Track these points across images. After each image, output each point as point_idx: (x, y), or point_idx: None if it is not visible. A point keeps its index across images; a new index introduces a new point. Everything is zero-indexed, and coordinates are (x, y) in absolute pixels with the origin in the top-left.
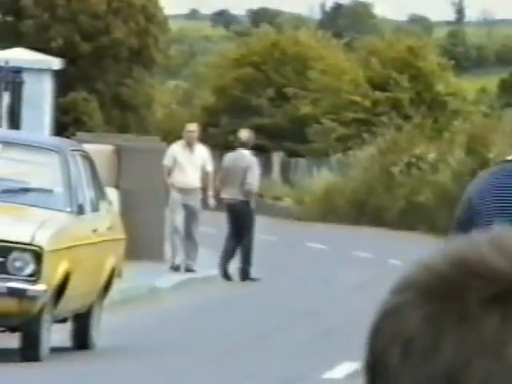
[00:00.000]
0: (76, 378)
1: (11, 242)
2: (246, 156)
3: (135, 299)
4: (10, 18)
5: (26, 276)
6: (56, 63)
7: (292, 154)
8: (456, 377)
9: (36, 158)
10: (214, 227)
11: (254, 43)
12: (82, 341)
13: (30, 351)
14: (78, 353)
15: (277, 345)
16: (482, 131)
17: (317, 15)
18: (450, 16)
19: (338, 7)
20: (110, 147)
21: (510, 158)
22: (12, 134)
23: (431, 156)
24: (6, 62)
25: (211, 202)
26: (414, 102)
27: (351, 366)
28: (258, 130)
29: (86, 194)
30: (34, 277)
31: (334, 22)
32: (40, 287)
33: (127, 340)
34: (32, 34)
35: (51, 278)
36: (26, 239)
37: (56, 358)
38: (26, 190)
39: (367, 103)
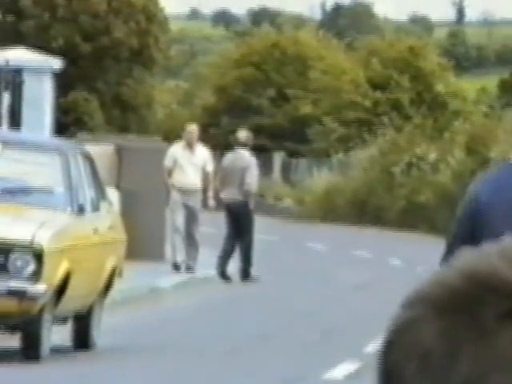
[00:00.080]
0: (76, 378)
1: (12, 242)
2: (245, 156)
3: (136, 299)
4: (10, 18)
5: (26, 276)
6: (56, 63)
7: (293, 154)
8: None
9: (37, 158)
10: (215, 227)
11: (254, 43)
12: (82, 341)
13: (30, 351)
14: (79, 353)
15: (277, 345)
16: (482, 131)
17: (317, 15)
18: (451, 16)
19: (338, 7)
20: (110, 147)
21: None
22: (12, 134)
23: (431, 156)
24: (7, 62)
25: (211, 202)
26: (414, 102)
27: (351, 366)
28: (258, 130)
29: (87, 194)
30: (35, 277)
31: (334, 22)
32: (40, 287)
33: (127, 340)
34: (32, 34)
35: (52, 277)
36: (27, 239)
37: (56, 358)
38: (26, 190)
39: (368, 103)
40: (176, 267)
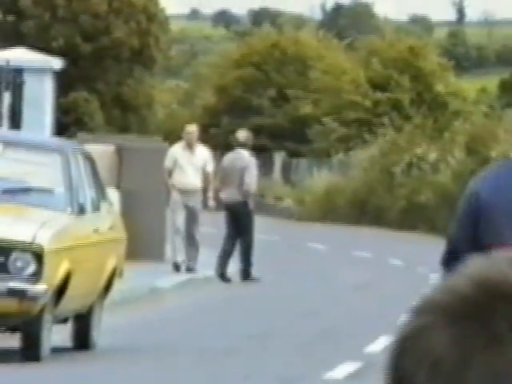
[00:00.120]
0: (76, 378)
1: (12, 242)
2: (244, 156)
3: (136, 299)
4: (10, 18)
5: (26, 276)
6: (57, 63)
7: (293, 154)
8: None
9: (37, 158)
10: (215, 227)
11: (254, 43)
12: (82, 341)
13: (30, 351)
14: (79, 353)
15: (277, 345)
16: (483, 131)
17: (317, 15)
18: (451, 16)
19: (338, 7)
20: (111, 147)
21: None
22: (13, 134)
23: (432, 156)
24: (7, 62)
25: (211, 203)
26: (414, 102)
27: (351, 366)
28: (258, 130)
29: (87, 194)
30: (35, 277)
31: (334, 22)
32: (41, 287)
33: (128, 340)
34: (33, 34)
35: (52, 278)
36: (27, 239)
37: (56, 358)
38: (27, 190)
39: (368, 103)
40: (176, 267)
